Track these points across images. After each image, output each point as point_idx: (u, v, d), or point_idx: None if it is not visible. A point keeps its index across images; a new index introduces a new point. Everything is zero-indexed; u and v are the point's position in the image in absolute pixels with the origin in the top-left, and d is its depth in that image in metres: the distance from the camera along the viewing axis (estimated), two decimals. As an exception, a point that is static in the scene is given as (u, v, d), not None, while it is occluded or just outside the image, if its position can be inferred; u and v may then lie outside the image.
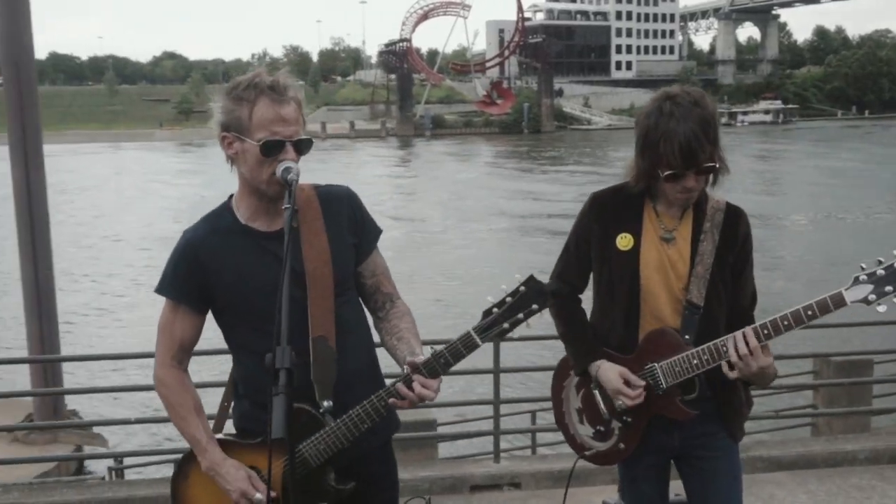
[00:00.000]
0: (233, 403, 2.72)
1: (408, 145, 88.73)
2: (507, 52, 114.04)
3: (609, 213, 2.90)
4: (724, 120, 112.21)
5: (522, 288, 2.38)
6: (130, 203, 46.14)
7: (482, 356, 3.19)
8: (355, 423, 2.43)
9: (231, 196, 2.61)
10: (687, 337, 2.79)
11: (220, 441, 2.55)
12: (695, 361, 2.73)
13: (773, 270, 24.75)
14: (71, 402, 10.88)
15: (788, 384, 7.66)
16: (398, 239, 31.69)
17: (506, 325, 2.37)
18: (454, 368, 2.43)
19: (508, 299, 2.38)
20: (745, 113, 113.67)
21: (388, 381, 2.53)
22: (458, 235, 34.47)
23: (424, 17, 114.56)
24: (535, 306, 2.37)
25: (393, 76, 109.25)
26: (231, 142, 2.44)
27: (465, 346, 2.38)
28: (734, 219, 2.87)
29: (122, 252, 31.85)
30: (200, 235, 2.55)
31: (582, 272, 3.00)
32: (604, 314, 2.95)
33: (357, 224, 2.63)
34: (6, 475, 8.04)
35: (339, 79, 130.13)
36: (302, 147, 2.44)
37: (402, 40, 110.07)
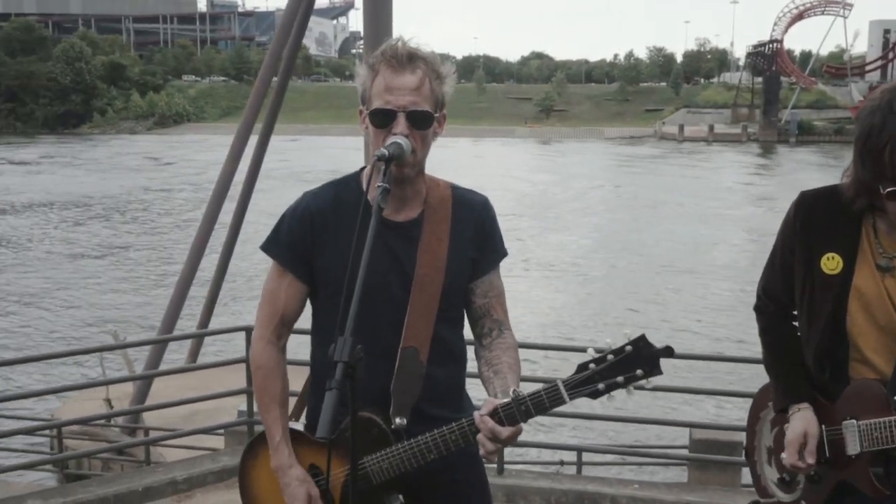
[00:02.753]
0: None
1: (769, 151, 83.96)
2: (891, 55, 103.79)
3: (816, 222, 2.36)
4: None
5: (629, 347, 2.05)
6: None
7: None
8: (422, 451, 2.21)
9: (363, 168, 2.43)
10: None
11: (291, 431, 2.40)
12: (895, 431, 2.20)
13: None
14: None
15: None
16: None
17: (601, 386, 2.05)
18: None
19: (610, 357, 2.06)
20: None
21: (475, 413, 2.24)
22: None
23: (799, 16, 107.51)
24: (639, 371, 2.04)
25: (759, 79, 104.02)
26: (364, 116, 2.27)
27: (549, 398, 2.08)
28: None
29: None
30: (322, 203, 2.34)
31: (787, 287, 2.45)
32: (804, 344, 2.45)
33: (484, 238, 2.39)
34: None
35: (701, 80, 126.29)
36: (415, 120, 2.19)
37: (772, 41, 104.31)
